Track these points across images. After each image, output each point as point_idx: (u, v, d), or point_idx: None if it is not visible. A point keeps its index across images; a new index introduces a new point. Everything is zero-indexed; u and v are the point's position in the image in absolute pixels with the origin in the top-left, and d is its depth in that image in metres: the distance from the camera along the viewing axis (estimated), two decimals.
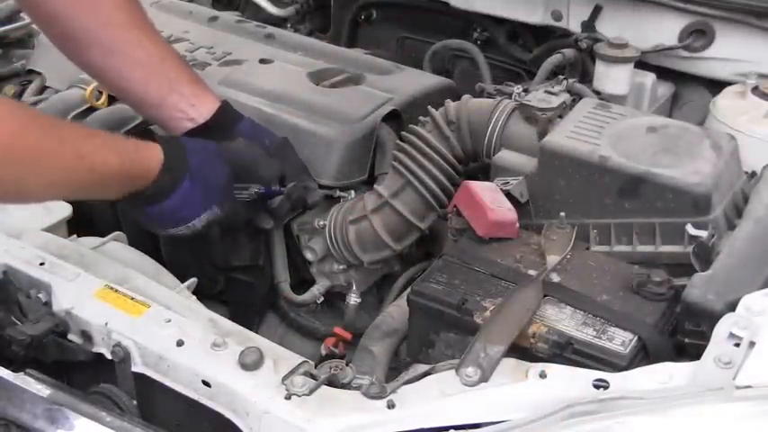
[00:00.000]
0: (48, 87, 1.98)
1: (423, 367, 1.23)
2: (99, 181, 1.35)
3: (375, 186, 1.68)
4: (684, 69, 2.00)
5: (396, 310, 1.58)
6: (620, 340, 1.27)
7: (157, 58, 1.55)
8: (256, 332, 1.41)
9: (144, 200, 1.42)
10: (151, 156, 1.40)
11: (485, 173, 1.65)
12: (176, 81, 1.56)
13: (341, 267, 1.72)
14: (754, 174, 1.58)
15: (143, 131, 1.53)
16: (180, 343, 1.29)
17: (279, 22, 2.46)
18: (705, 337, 1.19)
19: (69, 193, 1.42)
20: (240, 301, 1.71)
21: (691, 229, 1.41)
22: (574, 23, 2.05)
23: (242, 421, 1.23)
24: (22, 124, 1.23)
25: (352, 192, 1.69)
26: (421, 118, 1.71)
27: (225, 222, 1.52)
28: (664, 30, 1.96)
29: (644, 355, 1.27)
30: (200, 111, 1.56)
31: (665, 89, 2.01)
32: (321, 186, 1.70)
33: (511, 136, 1.63)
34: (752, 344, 1.14)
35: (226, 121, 1.58)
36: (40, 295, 1.40)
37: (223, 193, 1.49)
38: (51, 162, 1.28)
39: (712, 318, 1.20)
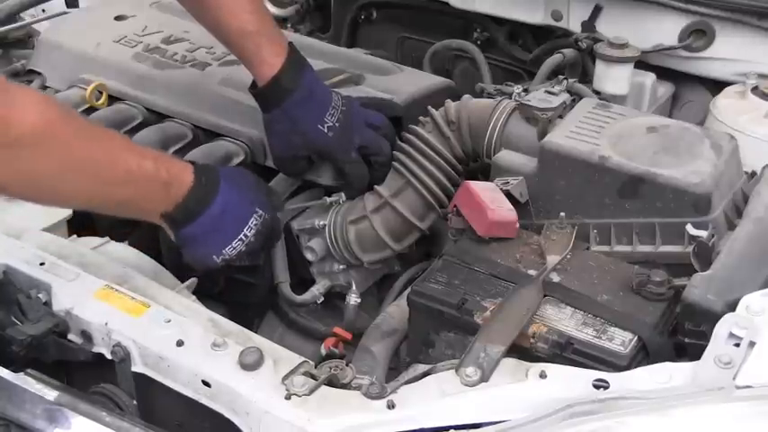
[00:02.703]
0: (48, 87, 1.98)
1: (423, 367, 1.23)
2: (134, 186, 1.31)
3: (375, 186, 1.68)
4: (684, 69, 2.00)
5: (396, 311, 1.58)
6: (620, 340, 1.27)
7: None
8: (256, 332, 1.41)
9: (189, 211, 1.37)
10: (184, 167, 1.39)
11: (485, 173, 1.65)
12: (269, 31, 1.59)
13: (341, 267, 1.72)
14: (754, 174, 1.58)
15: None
16: (180, 343, 1.29)
17: (279, 22, 2.46)
18: (705, 337, 1.19)
19: (103, 198, 1.33)
20: (240, 301, 1.71)
21: (691, 229, 1.41)
22: (574, 23, 2.05)
23: (242, 421, 1.23)
24: (54, 117, 1.20)
25: (343, 194, 1.69)
26: (421, 118, 1.71)
27: (268, 231, 1.48)
28: (664, 30, 1.96)
29: (644, 355, 1.27)
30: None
31: (665, 89, 2.01)
32: (321, 186, 1.70)
33: (511, 136, 1.63)
34: (752, 344, 1.14)
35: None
36: (40, 295, 1.39)
37: (259, 192, 1.48)
38: (84, 159, 1.24)
39: (712, 318, 1.20)
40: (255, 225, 1.43)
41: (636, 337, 1.27)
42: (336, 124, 1.60)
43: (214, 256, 1.43)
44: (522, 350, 1.26)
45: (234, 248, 1.43)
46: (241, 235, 1.42)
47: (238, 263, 1.46)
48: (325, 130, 1.59)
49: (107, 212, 1.45)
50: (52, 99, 1.28)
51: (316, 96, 1.60)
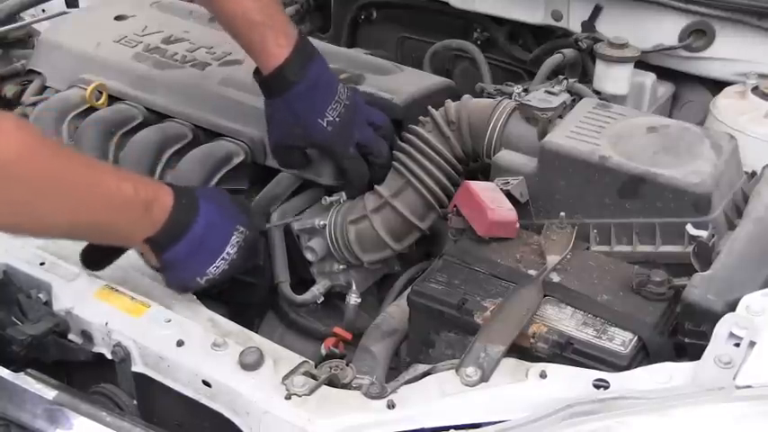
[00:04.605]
0: (48, 87, 1.98)
1: (423, 367, 1.23)
2: (115, 209, 1.29)
3: (375, 186, 1.68)
4: (684, 69, 2.00)
5: (396, 310, 1.58)
6: (620, 340, 1.27)
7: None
8: (256, 332, 1.41)
9: (172, 232, 1.35)
10: (162, 188, 1.37)
11: (485, 173, 1.65)
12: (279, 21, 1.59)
13: (341, 267, 1.72)
14: (754, 174, 1.58)
15: None
16: (180, 343, 1.29)
17: None
18: (705, 337, 1.19)
19: (85, 224, 1.30)
20: (240, 301, 1.71)
21: (691, 229, 1.41)
22: (574, 23, 2.05)
23: (242, 421, 1.23)
24: (32, 143, 1.19)
25: (343, 194, 1.69)
26: (421, 118, 1.71)
27: (250, 248, 1.47)
28: (664, 30, 1.96)
29: (644, 354, 1.27)
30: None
31: (665, 89, 2.01)
32: (321, 186, 1.70)
33: (511, 136, 1.63)
34: (752, 344, 1.14)
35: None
36: (41, 295, 1.40)
37: (238, 210, 1.47)
38: (62, 184, 1.22)
39: (712, 318, 1.20)
40: (238, 242, 1.42)
41: (636, 337, 1.27)
42: (337, 119, 1.59)
43: (197, 278, 1.41)
44: (522, 350, 1.26)
45: (217, 267, 1.41)
46: (224, 253, 1.41)
47: (220, 282, 1.44)
48: (325, 125, 1.58)
49: (91, 240, 1.41)
50: (28, 125, 1.26)
51: (319, 88, 1.59)
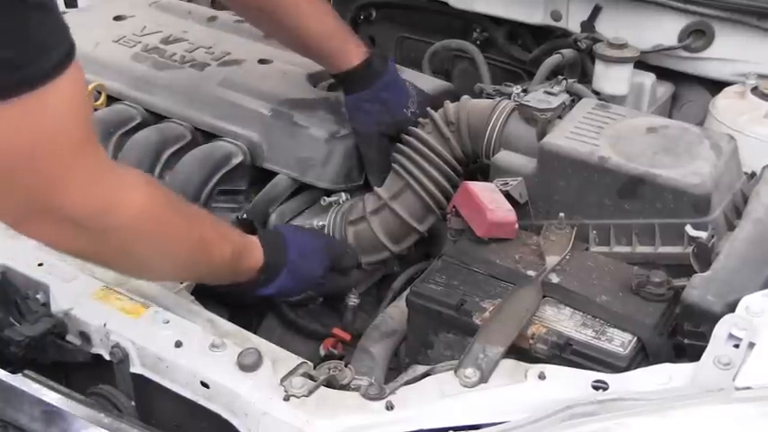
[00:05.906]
0: None
1: (422, 368, 1.23)
2: (213, 268, 1.37)
3: (375, 188, 1.68)
4: (684, 69, 2.00)
5: (395, 311, 1.58)
6: (619, 341, 1.27)
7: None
8: (255, 333, 1.41)
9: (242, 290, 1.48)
10: (253, 253, 1.44)
11: (484, 173, 1.65)
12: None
13: None
14: (753, 174, 1.57)
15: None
16: (178, 344, 1.29)
17: None
18: (704, 338, 1.19)
19: (184, 275, 1.42)
20: (239, 301, 1.71)
21: (690, 230, 1.40)
22: (573, 23, 2.05)
23: (240, 422, 1.22)
24: (156, 197, 1.23)
25: (343, 194, 1.69)
26: (420, 119, 1.71)
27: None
28: (663, 30, 1.95)
29: (643, 356, 1.27)
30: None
31: (665, 89, 2.01)
32: (319, 189, 1.70)
33: (510, 136, 1.63)
34: (751, 345, 1.14)
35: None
36: (39, 296, 1.39)
37: (315, 284, 1.57)
38: (178, 242, 1.28)
39: (712, 318, 1.20)
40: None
41: (635, 338, 1.27)
42: (417, 111, 1.72)
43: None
44: (521, 351, 1.26)
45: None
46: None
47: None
48: (409, 115, 1.71)
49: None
50: (149, 180, 1.30)
51: (398, 82, 1.72)
